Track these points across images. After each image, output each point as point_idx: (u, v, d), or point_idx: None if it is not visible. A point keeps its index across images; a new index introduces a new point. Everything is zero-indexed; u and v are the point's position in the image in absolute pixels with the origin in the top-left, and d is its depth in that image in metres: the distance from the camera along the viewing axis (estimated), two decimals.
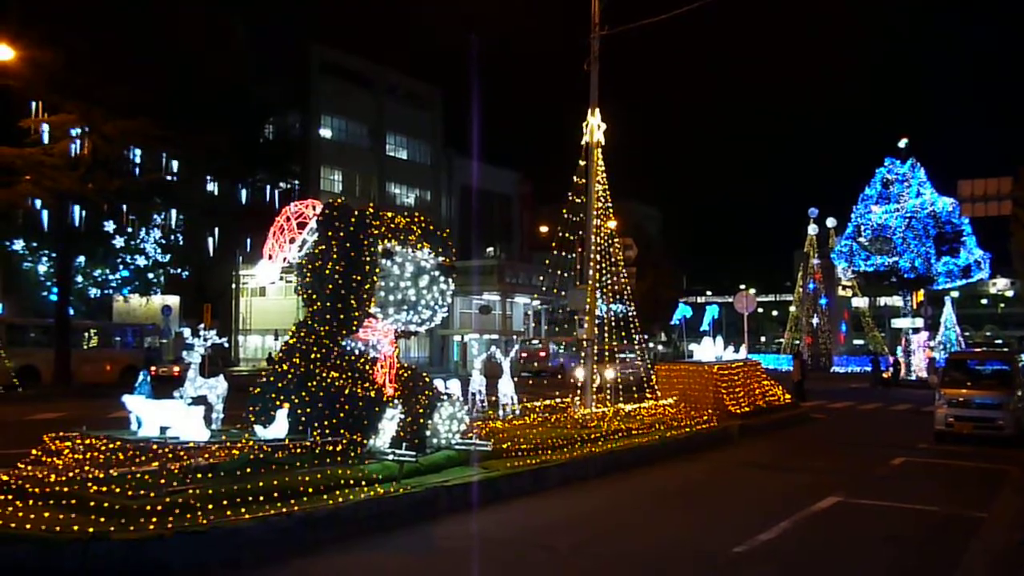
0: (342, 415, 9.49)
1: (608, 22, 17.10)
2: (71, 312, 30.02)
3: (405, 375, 11.08)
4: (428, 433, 10.45)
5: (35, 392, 26.20)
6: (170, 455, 8.24)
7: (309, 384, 9.73)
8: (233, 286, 45.50)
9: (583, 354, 17.58)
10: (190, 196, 35.31)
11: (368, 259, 10.15)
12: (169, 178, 33.85)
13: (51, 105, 27.11)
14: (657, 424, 15.52)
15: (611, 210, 18.02)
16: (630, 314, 18.68)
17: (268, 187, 42.49)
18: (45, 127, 27.01)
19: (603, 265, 17.86)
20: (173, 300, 39.96)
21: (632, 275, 23.42)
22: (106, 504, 7.08)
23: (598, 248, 17.48)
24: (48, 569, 6.53)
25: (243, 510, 7.39)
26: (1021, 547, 8.21)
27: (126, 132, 27.27)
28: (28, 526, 6.77)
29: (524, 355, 44.51)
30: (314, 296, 10.31)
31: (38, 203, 28.37)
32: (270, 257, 10.57)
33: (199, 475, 7.83)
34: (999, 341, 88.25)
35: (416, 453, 9.73)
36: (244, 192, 40.79)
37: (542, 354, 43.27)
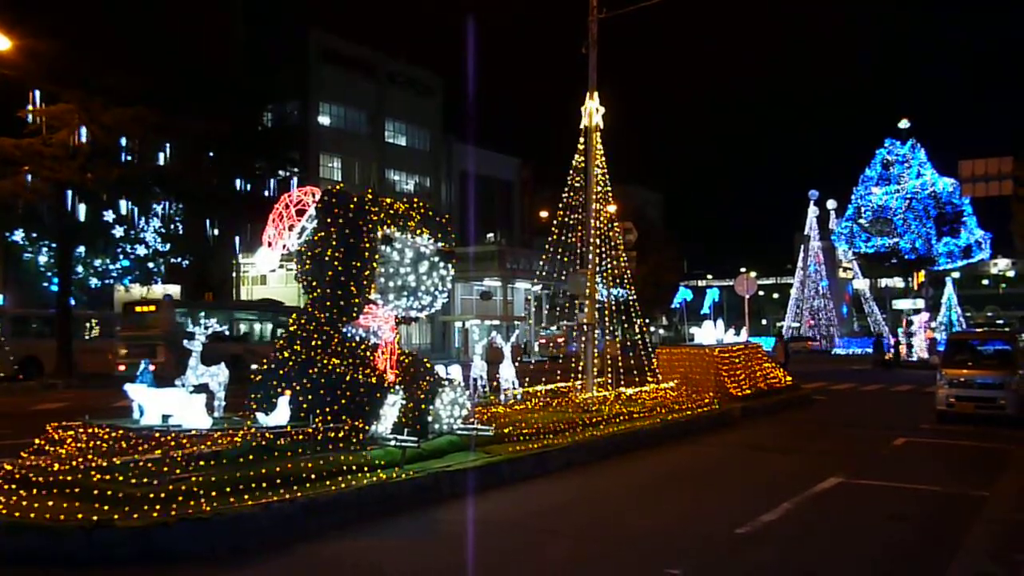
0: (343, 401, 9.53)
1: (606, 5, 17.04)
2: (72, 302, 30.02)
3: (406, 361, 11.11)
4: (430, 419, 10.47)
5: (38, 382, 26.30)
6: (172, 443, 8.29)
7: (310, 371, 9.76)
8: (233, 274, 45.40)
9: (583, 338, 17.58)
10: (189, 185, 35.16)
11: (368, 246, 10.15)
12: (168, 167, 33.72)
13: (49, 94, 27.00)
14: (659, 407, 15.56)
15: (611, 194, 17.98)
16: (630, 298, 18.68)
17: (267, 175, 42.34)
18: (43, 117, 26.93)
19: (603, 249, 17.84)
20: (174, 289, 39.93)
21: (632, 259, 23.37)
22: (110, 492, 7.13)
23: (598, 232, 17.45)
24: (54, 557, 6.57)
25: (246, 497, 7.42)
26: None
27: (125, 121, 27.17)
28: (33, 515, 6.82)
29: (542, 340, 47.38)
30: (314, 283, 10.31)
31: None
32: (270, 245, 10.57)
33: (202, 463, 7.85)
34: (1001, 321, 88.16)
35: (418, 439, 9.75)
36: (243, 180, 40.63)
37: (560, 340, 46.05)
